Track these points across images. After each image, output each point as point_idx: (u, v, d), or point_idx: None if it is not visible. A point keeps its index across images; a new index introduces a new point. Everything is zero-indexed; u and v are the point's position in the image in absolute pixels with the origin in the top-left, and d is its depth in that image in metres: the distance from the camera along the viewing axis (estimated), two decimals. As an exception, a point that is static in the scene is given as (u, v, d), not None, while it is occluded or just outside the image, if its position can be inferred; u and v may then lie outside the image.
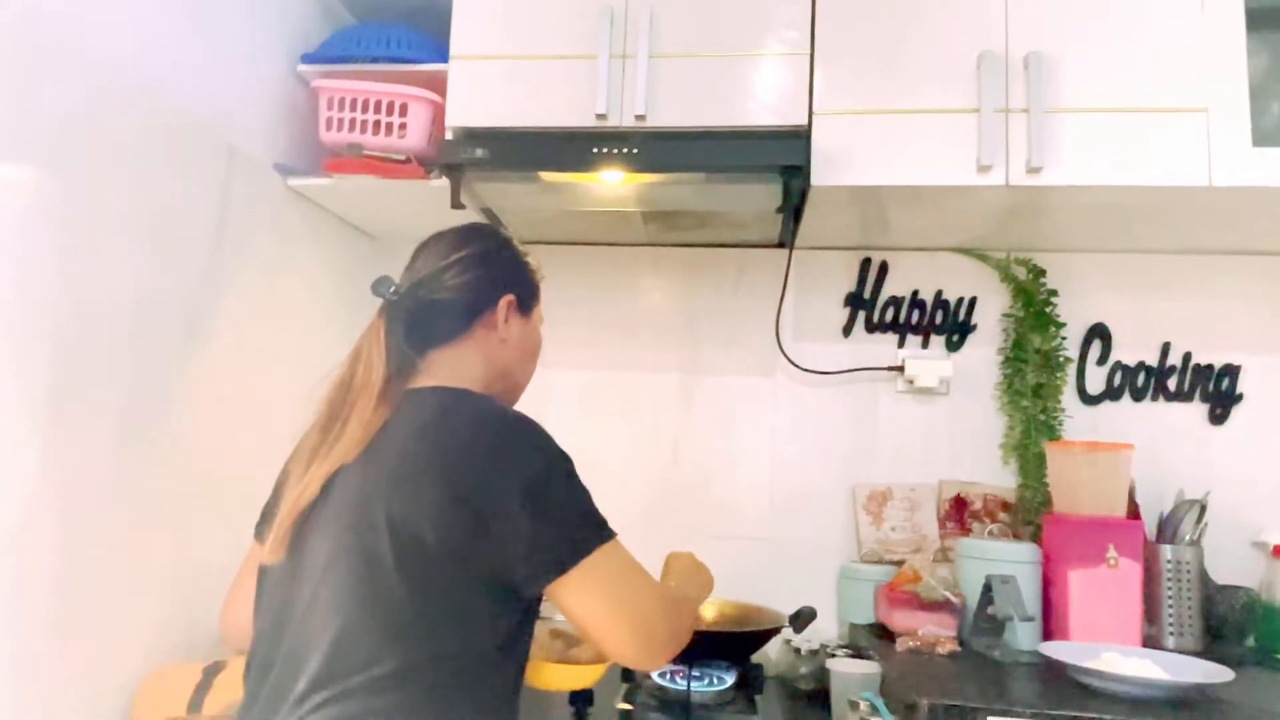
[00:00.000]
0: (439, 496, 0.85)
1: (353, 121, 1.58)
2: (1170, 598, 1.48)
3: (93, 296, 1.17)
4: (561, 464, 0.91)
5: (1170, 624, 1.47)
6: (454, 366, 1.01)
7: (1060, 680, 1.21)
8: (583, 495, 0.91)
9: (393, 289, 1.00)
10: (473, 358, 1.04)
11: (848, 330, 1.84)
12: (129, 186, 1.24)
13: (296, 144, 1.66)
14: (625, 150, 1.42)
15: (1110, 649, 1.25)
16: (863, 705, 1.17)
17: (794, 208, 1.58)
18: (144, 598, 1.28)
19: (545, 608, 0.95)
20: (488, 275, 1.06)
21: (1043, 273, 1.77)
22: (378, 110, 1.57)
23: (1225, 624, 1.54)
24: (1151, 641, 1.44)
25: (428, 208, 1.65)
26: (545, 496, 0.87)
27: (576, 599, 0.88)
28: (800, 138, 1.45)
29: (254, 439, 1.48)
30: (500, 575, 0.86)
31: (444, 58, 1.56)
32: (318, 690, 0.82)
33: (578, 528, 0.89)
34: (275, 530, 0.90)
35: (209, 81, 1.42)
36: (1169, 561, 1.49)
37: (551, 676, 1.18)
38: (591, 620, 0.90)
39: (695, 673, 1.43)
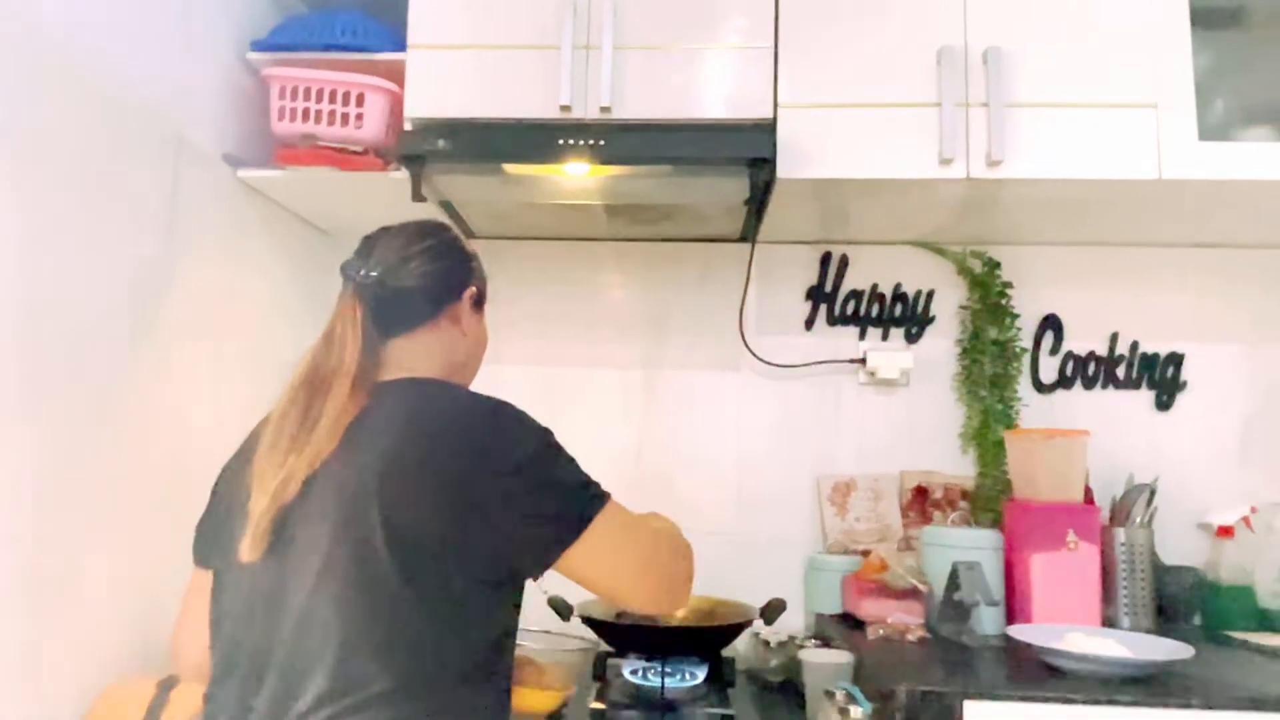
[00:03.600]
0: (437, 492, 0.83)
1: (306, 111, 1.52)
2: (1124, 579, 1.52)
3: (34, 292, 1.10)
4: (549, 440, 0.92)
5: (1125, 605, 1.51)
6: (417, 356, 1.00)
7: (1029, 662, 1.24)
8: (573, 465, 0.92)
9: (362, 271, 0.98)
10: (434, 348, 1.03)
11: (810, 323, 1.86)
12: (72, 176, 1.17)
13: (247, 135, 1.59)
14: (591, 142, 1.40)
15: (1074, 630, 1.28)
16: (840, 695, 1.18)
17: (758, 201, 1.58)
18: (94, 609, 1.22)
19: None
20: (453, 267, 1.06)
21: (998, 265, 1.81)
22: (333, 100, 1.52)
23: (1175, 603, 1.60)
24: (1108, 623, 1.48)
25: (386, 201, 1.60)
26: (542, 475, 0.88)
27: (589, 564, 0.90)
28: (766, 130, 1.45)
29: (207, 441, 1.42)
30: (504, 563, 0.86)
31: (401, 47, 1.52)
32: (324, 706, 0.79)
33: (576, 498, 0.90)
34: (253, 526, 0.85)
35: (153, 67, 1.35)
36: (1122, 544, 1.54)
37: (523, 700, 1.19)
38: (609, 581, 0.92)
39: (667, 669, 1.42)
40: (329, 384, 0.91)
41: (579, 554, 0.88)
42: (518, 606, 0.94)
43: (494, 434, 0.88)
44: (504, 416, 0.91)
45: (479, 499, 0.84)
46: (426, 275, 1.02)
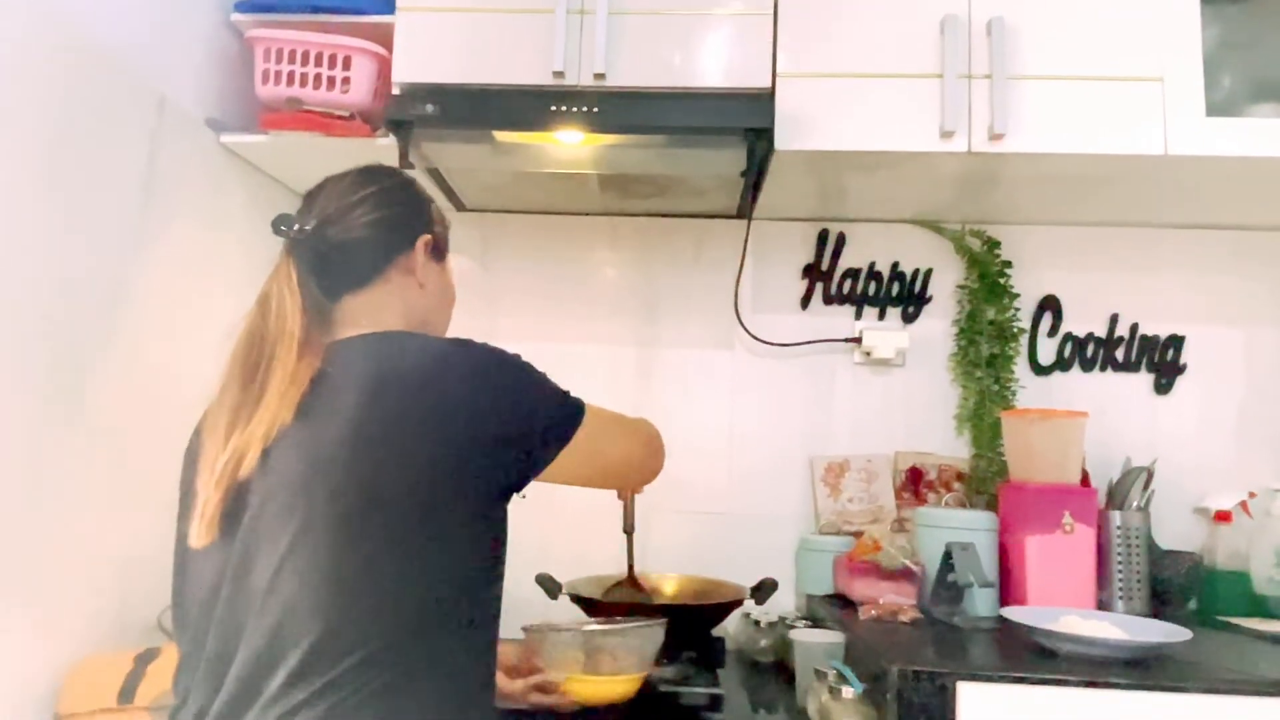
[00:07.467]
0: (421, 441, 0.80)
1: (291, 75, 1.49)
2: (1120, 563, 1.50)
3: (7, 258, 1.06)
4: (520, 361, 0.90)
5: (1120, 589, 1.49)
6: (372, 313, 0.94)
7: (1022, 644, 1.22)
8: (547, 382, 0.92)
9: (297, 226, 0.91)
10: (390, 303, 0.97)
11: (805, 302, 1.83)
12: (49, 138, 1.13)
13: (230, 98, 1.55)
14: (584, 109, 1.36)
15: (1069, 613, 1.26)
16: (831, 674, 1.15)
17: (754, 175, 1.54)
18: (70, 582, 1.19)
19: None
20: (400, 213, 0.99)
21: (997, 244, 1.78)
22: (318, 63, 1.48)
23: (1171, 588, 1.58)
24: (1103, 606, 1.46)
25: (373, 169, 1.56)
26: (522, 403, 0.87)
27: (572, 469, 0.92)
28: (764, 100, 1.42)
29: (186, 413, 1.39)
30: (494, 490, 0.85)
31: (390, 9, 1.48)
32: (299, 685, 0.74)
33: (554, 414, 0.91)
34: (202, 509, 0.80)
35: (134, 27, 1.31)
36: (1119, 528, 1.52)
37: (597, 690, 1.15)
38: (593, 477, 1.00)
39: (656, 648, 1.40)
40: (271, 352, 0.84)
41: (559, 464, 0.90)
42: (503, 540, 0.88)
43: (469, 368, 0.85)
44: (472, 350, 0.87)
45: (475, 441, 0.82)
46: (370, 225, 0.95)
